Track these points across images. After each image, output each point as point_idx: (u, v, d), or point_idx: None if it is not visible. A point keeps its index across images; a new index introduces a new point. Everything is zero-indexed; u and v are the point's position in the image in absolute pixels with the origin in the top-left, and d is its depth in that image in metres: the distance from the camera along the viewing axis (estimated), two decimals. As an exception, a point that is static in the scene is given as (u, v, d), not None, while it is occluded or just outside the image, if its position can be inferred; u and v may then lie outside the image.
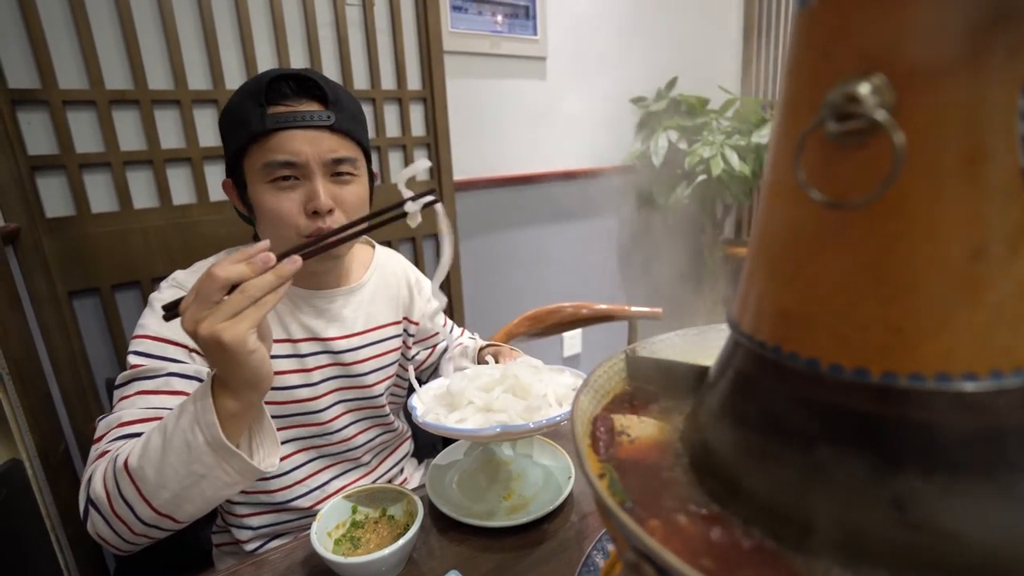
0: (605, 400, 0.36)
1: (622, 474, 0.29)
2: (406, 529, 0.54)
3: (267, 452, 0.55)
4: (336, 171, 0.66)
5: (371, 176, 0.74)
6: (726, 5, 2.19)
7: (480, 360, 0.83)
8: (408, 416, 0.91)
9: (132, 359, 0.62)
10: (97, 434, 0.58)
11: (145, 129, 1.10)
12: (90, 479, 0.55)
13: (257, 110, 0.62)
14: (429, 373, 0.93)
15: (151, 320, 0.64)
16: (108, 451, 0.56)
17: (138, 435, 0.56)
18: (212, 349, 0.46)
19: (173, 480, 0.50)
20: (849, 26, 0.20)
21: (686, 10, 2.03)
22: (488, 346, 0.88)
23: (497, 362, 0.77)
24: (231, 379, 0.49)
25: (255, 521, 0.74)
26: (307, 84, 0.64)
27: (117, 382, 0.62)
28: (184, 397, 0.58)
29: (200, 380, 0.64)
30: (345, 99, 0.67)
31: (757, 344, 0.25)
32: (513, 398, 0.61)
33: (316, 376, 0.73)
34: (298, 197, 0.65)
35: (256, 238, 0.75)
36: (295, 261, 0.49)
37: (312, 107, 0.64)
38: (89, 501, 0.54)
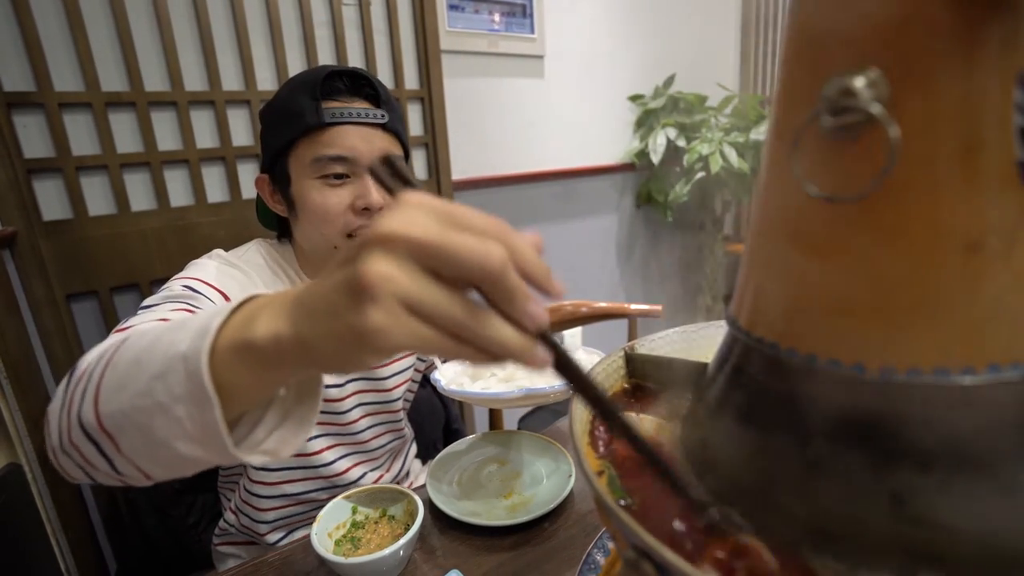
0: (604, 398, 0.36)
1: (621, 472, 0.29)
2: (406, 529, 0.54)
3: (277, 438, 0.33)
4: None
5: None
6: (724, 1, 2.19)
7: None
8: (410, 418, 0.92)
9: (174, 288, 0.57)
10: (122, 325, 0.47)
11: (142, 131, 1.10)
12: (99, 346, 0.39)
13: (312, 104, 0.61)
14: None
15: (199, 269, 0.62)
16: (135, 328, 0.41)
17: None
18: (348, 285, 0.24)
19: (131, 387, 0.32)
20: (844, 20, 0.20)
21: (684, 7, 2.03)
22: None
23: None
24: (308, 319, 0.26)
25: (271, 515, 0.74)
26: (360, 82, 0.64)
27: (143, 304, 0.53)
28: None
29: None
30: (389, 97, 0.67)
31: (755, 340, 0.25)
32: None
33: (344, 376, 0.74)
34: (347, 194, 0.64)
35: (280, 238, 0.74)
36: (547, 359, 0.25)
37: (365, 105, 0.64)
38: (72, 371, 0.38)
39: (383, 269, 0.23)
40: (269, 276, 0.69)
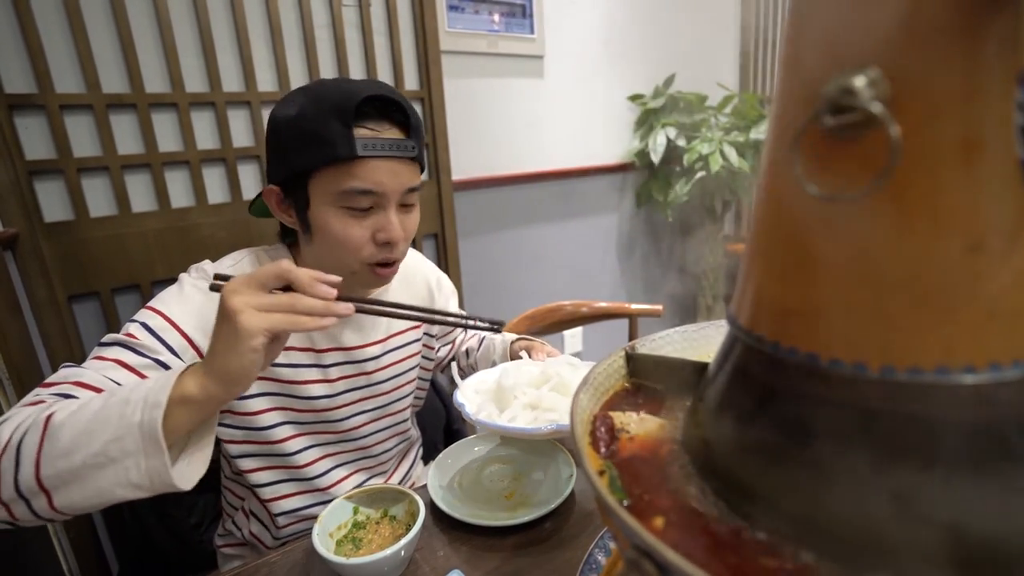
0: (605, 398, 0.36)
1: (622, 471, 0.29)
2: (408, 529, 0.54)
3: (191, 468, 0.48)
4: (405, 201, 0.65)
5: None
6: (724, 1, 2.19)
7: (513, 354, 0.83)
8: (417, 419, 0.92)
9: (132, 327, 0.58)
10: (50, 379, 0.54)
11: (143, 132, 1.10)
12: (4, 420, 0.48)
13: (343, 131, 0.58)
14: (445, 366, 0.94)
15: (172, 300, 0.61)
16: (44, 402, 0.50)
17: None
18: (224, 321, 0.45)
19: (83, 451, 0.44)
20: (844, 19, 0.20)
21: (684, 6, 2.03)
22: (519, 339, 0.87)
23: (530, 357, 0.78)
24: (215, 358, 0.46)
25: (267, 535, 0.74)
26: (391, 106, 0.61)
27: (104, 340, 0.58)
28: None
29: None
30: (418, 123, 0.64)
31: (756, 339, 0.25)
32: (560, 396, 0.63)
33: (340, 386, 0.72)
34: (369, 225, 0.63)
35: (281, 237, 0.73)
36: (349, 308, 0.49)
37: (395, 134, 0.62)
38: None
39: (236, 300, 0.45)
40: None
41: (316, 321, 0.47)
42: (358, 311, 0.50)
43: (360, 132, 0.59)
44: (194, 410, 0.46)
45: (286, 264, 0.47)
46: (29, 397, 0.52)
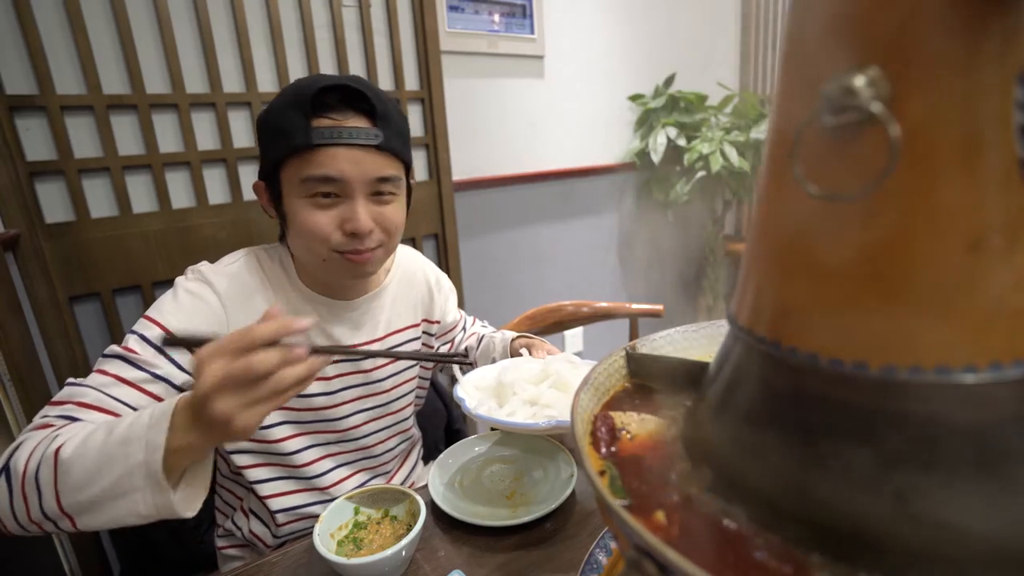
0: (605, 398, 0.36)
1: (623, 471, 0.29)
2: (409, 529, 0.54)
3: (192, 495, 0.49)
4: (378, 190, 0.64)
5: (409, 190, 0.71)
6: (724, 1, 2.19)
7: (513, 352, 0.84)
8: (417, 419, 0.92)
9: (132, 341, 0.59)
10: (57, 397, 0.56)
11: (143, 133, 1.10)
12: (18, 446, 0.50)
13: (301, 121, 0.59)
14: (443, 366, 0.94)
15: (168, 309, 0.62)
16: (51, 425, 0.52)
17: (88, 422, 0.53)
18: (215, 427, 0.44)
19: (96, 486, 0.46)
20: (844, 18, 0.20)
21: (684, 6, 2.03)
22: (520, 337, 0.87)
23: (531, 354, 0.78)
24: (213, 433, 0.45)
25: (265, 532, 0.74)
26: (355, 96, 0.61)
27: (106, 352, 0.59)
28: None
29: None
30: (392, 113, 0.64)
31: (756, 339, 0.25)
32: (559, 393, 0.63)
33: (336, 384, 0.72)
34: (336, 215, 0.62)
35: (283, 238, 0.73)
36: (328, 360, 0.49)
37: (359, 123, 0.61)
38: (5, 468, 0.50)
39: (221, 407, 0.43)
40: (250, 292, 0.67)
41: (301, 388, 0.47)
42: (338, 361, 0.54)
43: (320, 122, 0.60)
44: (191, 456, 0.48)
45: (259, 358, 0.43)
46: (37, 420, 0.54)
